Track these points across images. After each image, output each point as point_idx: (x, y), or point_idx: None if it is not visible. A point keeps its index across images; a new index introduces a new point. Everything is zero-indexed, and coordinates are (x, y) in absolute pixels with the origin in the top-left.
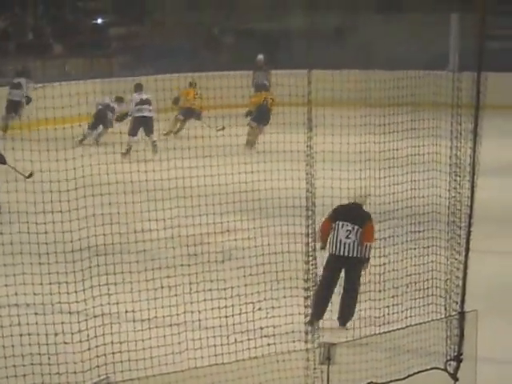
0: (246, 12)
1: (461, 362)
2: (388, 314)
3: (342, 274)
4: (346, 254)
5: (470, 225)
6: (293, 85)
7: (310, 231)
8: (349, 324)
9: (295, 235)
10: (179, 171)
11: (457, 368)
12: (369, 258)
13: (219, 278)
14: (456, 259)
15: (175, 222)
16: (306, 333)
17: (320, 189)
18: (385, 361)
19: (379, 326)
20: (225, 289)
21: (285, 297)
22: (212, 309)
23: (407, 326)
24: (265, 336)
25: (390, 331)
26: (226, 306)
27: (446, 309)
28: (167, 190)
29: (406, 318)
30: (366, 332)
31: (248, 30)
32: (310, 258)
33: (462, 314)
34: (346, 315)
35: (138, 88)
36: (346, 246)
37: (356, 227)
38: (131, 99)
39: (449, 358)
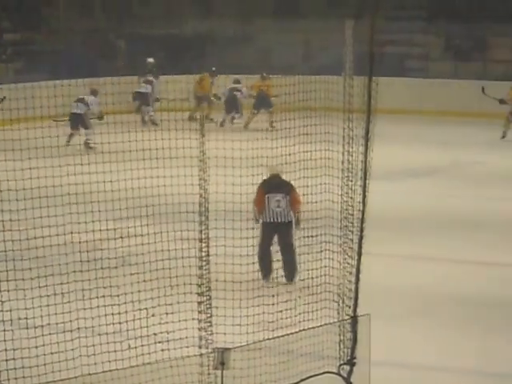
0: (142, 18)
1: (354, 365)
2: (281, 318)
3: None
4: (278, 220)
5: (362, 229)
6: (186, 90)
7: (203, 236)
8: (243, 329)
9: (189, 240)
10: (71, 178)
11: (350, 372)
12: (299, 220)
13: (113, 284)
14: (349, 263)
15: (68, 228)
16: (200, 338)
17: (213, 194)
18: (279, 365)
19: (273, 330)
20: (118, 295)
21: (178, 302)
22: (106, 315)
23: (301, 331)
24: (159, 342)
25: (283, 335)
26: (119, 312)
27: (339, 313)
28: (60, 196)
29: (300, 322)
30: (260, 337)
31: (144, 36)
32: (204, 264)
33: (354, 318)
34: (291, 271)
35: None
36: (278, 213)
37: (284, 195)
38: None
39: (342, 361)
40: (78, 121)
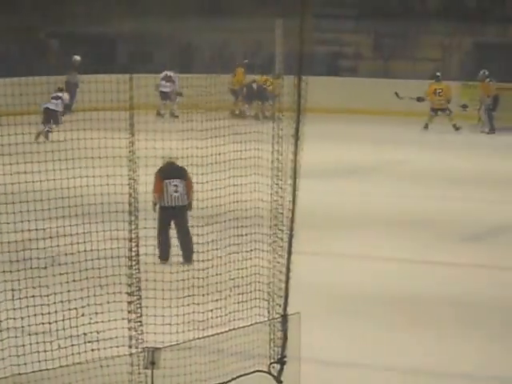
0: (72, 16)
1: (284, 364)
2: (212, 317)
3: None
4: (175, 204)
5: (292, 228)
6: (114, 90)
7: (133, 236)
8: (173, 328)
9: (118, 240)
10: (0, 178)
11: (280, 370)
12: (191, 203)
13: (42, 284)
14: (279, 262)
15: None
16: (130, 338)
17: (143, 194)
18: (209, 364)
19: (203, 329)
20: (48, 295)
21: (108, 302)
22: (35, 315)
23: (231, 330)
24: (89, 341)
25: (213, 335)
26: (49, 312)
27: (269, 312)
28: None
29: (230, 321)
30: (190, 336)
31: (74, 34)
32: (134, 263)
33: (285, 317)
34: (188, 253)
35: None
36: (175, 198)
37: (181, 181)
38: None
39: (272, 360)
40: (51, 116)
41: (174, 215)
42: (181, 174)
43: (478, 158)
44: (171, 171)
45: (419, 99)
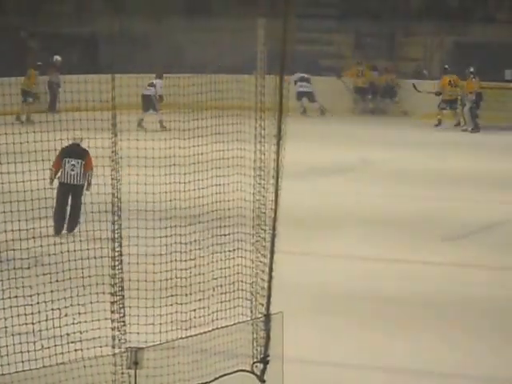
0: (54, 16)
1: (267, 363)
2: (194, 317)
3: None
4: (72, 182)
5: (274, 228)
6: (96, 90)
7: (116, 236)
8: (156, 328)
9: (101, 240)
10: None
11: (263, 370)
12: (91, 183)
13: (25, 284)
14: (261, 262)
15: None
16: (113, 338)
17: (126, 194)
18: (192, 364)
19: (186, 329)
20: (31, 295)
21: (91, 302)
22: (18, 315)
23: (214, 329)
24: (72, 342)
25: (196, 334)
26: (32, 313)
27: (252, 311)
28: None
29: (213, 320)
30: (173, 336)
31: (55, 34)
32: (117, 263)
33: (267, 316)
34: (72, 225)
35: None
36: (72, 176)
37: (79, 161)
38: None
39: (255, 359)
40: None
41: (69, 191)
42: (81, 155)
43: (461, 158)
44: (72, 151)
45: (437, 93)
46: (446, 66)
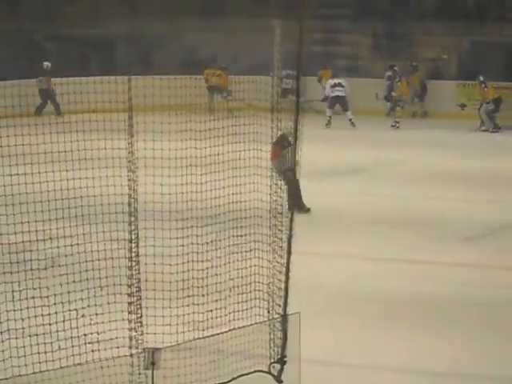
0: (67, 18)
1: (284, 364)
2: (211, 317)
3: None
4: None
5: (291, 228)
6: (113, 91)
7: (132, 237)
8: (173, 328)
9: (118, 241)
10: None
11: (281, 370)
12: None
13: (42, 285)
14: (278, 262)
15: None
16: (131, 338)
17: (142, 195)
18: (209, 364)
19: (203, 330)
20: (48, 296)
21: (109, 303)
22: (35, 316)
23: (231, 330)
24: (89, 342)
25: (213, 335)
26: (49, 313)
27: (269, 312)
28: None
29: (230, 321)
30: (190, 336)
31: (70, 36)
32: (134, 264)
33: (284, 317)
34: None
35: None
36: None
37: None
38: None
39: (273, 360)
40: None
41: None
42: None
43: (480, 158)
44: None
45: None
46: (396, 68)
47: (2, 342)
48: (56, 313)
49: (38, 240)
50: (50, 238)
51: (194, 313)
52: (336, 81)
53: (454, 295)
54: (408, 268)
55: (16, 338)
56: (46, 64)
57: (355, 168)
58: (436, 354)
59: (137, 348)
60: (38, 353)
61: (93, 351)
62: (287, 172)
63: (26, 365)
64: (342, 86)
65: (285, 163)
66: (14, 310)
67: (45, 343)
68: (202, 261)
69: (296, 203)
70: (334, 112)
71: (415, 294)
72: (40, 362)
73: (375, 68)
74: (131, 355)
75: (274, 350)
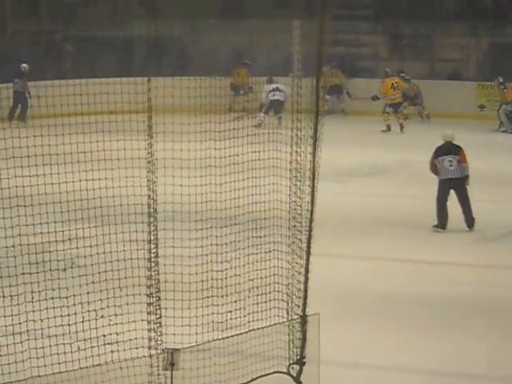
0: (88, 19)
1: (303, 365)
2: (231, 318)
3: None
4: (452, 176)
5: (310, 229)
6: (132, 92)
7: (151, 238)
8: (192, 329)
9: (137, 242)
10: (19, 180)
11: (300, 371)
12: (468, 175)
13: (61, 286)
14: (297, 263)
15: (16, 230)
16: (150, 339)
17: (162, 195)
18: (228, 365)
19: (222, 330)
20: (67, 297)
21: (128, 304)
22: (55, 317)
23: (250, 331)
24: (108, 343)
25: (232, 336)
26: (68, 314)
27: (288, 313)
28: (7, 198)
29: (249, 322)
30: (209, 337)
31: (90, 38)
32: (153, 265)
33: (304, 318)
34: (470, 220)
35: None
36: (450, 171)
37: (455, 157)
38: None
39: (292, 361)
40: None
41: (450, 186)
42: (454, 151)
43: (499, 159)
44: (446, 148)
45: (374, 98)
46: (388, 70)
47: (21, 342)
48: (75, 313)
49: (57, 241)
50: (70, 239)
51: (213, 313)
52: (274, 85)
53: (474, 296)
54: (429, 269)
55: (35, 339)
56: (24, 66)
57: (376, 169)
58: (473, 356)
59: (156, 349)
60: (58, 354)
61: (112, 352)
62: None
63: (45, 365)
64: (280, 91)
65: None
66: (34, 311)
67: (64, 344)
68: (222, 262)
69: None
70: (351, 113)
71: (435, 295)
72: (59, 363)
73: (393, 68)
74: (150, 356)
75: (293, 351)
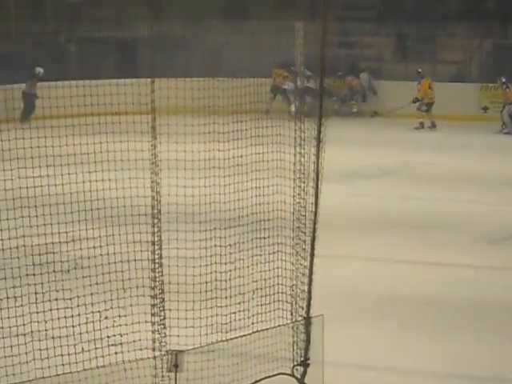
0: (92, 20)
1: (308, 366)
2: (234, 320)
3: None
4: None
5: (314, 230)
6: (136, 93)
7: (155, 239)
8: (196, 331)
9: (141, 243)
10: (23, 181)
11: (304, 373)
12: None
13: (65, 287)
14: (301, 265)
15: (20, 231)
16: (154, 341)
17: (165, 197)
18: (232, 367)
19: (226, 332)
20: (71, 298)
21: (131, 305)
22: (59, 318)
23: (254, 332)
24: (112, 344)
25: (236, 337)
26: (72, 316)
27: (292, 314)
28: (11, 199)
29: (253, 323)
30: (213, 339)
31: (94, 38)
32: (157, 266)
33: (308, 319)
34: None
35: None
36: None
37: None
38: None
39: (296, 363)
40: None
41: None
42: None
43: (502, 160)
44: None
45: (414, 101)
46: (419, 70)
47: (25, 344)
48: (79, 315)
49: (61, 242)
50: (73, 240)
51: (217, 315)
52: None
53: (482, 297)
54: (434, 270)
55: (39, 340)
56: (38, 69)
57: (380, 170)
58: (478, 359)
59: (160, 350)
60: (61, 355)
61: (116, 353)
62: None
63: (49, 367)
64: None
65: None
66: (37, 312)
67: (68, 345)
68: (225, 263)
69: None
70: (362, 114)
71: (440, 297)
72: (63, 364)
73: (398, 70)
74: (154, 357)
75: (297, 353)
